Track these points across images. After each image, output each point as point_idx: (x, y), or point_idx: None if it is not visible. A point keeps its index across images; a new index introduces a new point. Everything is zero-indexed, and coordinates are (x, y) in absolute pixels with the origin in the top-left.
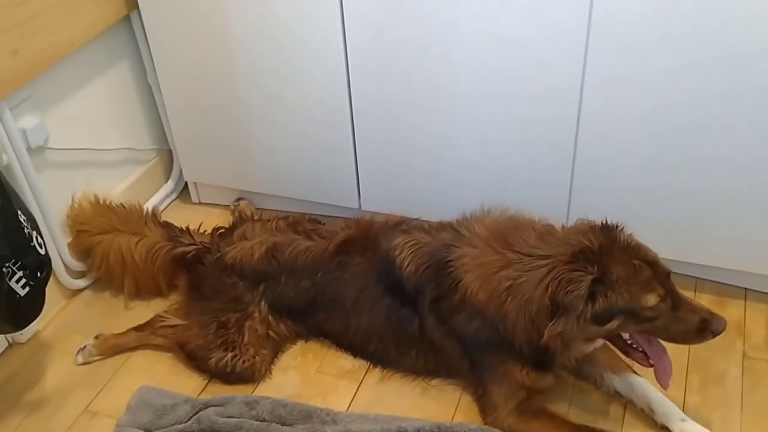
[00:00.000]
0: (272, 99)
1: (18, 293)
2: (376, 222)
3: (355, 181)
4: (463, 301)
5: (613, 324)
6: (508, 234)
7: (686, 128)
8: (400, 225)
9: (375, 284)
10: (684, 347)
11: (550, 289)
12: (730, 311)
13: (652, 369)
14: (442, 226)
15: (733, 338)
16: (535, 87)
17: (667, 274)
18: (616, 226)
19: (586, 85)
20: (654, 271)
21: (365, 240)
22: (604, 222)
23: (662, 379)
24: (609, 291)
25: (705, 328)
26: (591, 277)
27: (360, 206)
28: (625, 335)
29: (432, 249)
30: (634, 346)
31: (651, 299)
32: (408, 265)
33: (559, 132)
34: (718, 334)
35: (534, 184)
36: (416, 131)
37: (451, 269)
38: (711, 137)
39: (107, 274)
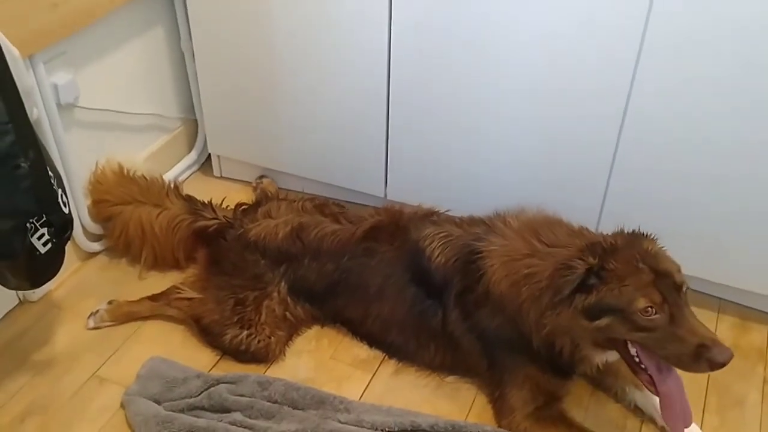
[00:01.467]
0: (308, 78)
1: (39, 250)
2: (406, 211)
3: (384, 169)
4: (486, 292)
5: (602, 321)
6: (541, 228)
7: (729, 143)
8: (431, 216)
9: (402, 273)
10: None
11: (554, 276)
12: (753, 336)
13: None
14: (473, 221)
15: (755, 363)
16: (580, 89)
17: (678, 288)
18: (645, 235)
19: (634, 90)
20: (659, 280)
21: (394, 228)
22: (636, 230)
23: (667, 417)
24: (602, 284)
25: (701, 354)
26: (587, 266)
27: (385, 195)
28: (633, 351)
29: (463, 242)
30: (643, 366)
31: (641, 302)
32: (438, 257)
33: (600, 136)
34: (717, 366)
35: (568, 187)
36: (452, 124)
37: (479, 260)
38: (753, 156)
39: (126, 245)
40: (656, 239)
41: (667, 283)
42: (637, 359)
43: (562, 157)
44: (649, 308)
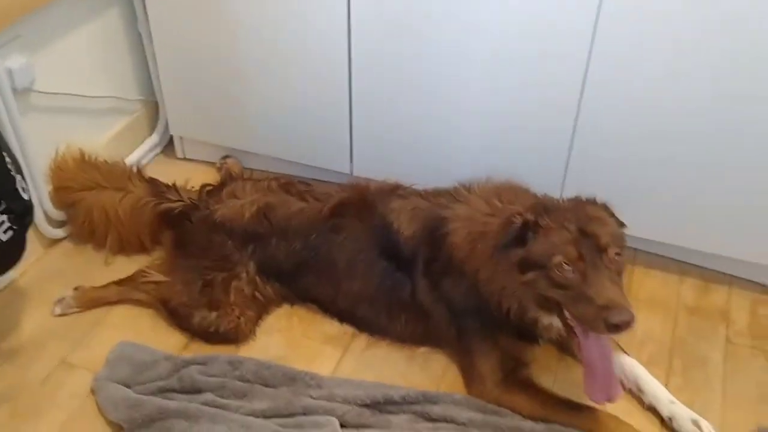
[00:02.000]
0: (268, 54)
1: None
2: (372, 186)
3: (348, 145)
4: (450, 258)
5: (529, 276)
6: (504, 192)
7: (692, 107)
8: (397, 190)
9: (370, 248)
10: (669, 329)
11: (498, 231)
12: (715, 297)
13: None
14: (439, 192)
15: (716, 324)
16: (541, 54)
17: (600, 250)
18: (595, 201)
19: (594, 54)
20: (581, 239)
21: (361, 204)
22: (592, 197)
23: (587, 386)
24: (533, 241)
25: (601, 315)
26: (523, 220)
27: (352, 171)
28: (567, 313)
29: (429, 213)
30: (574, 330)
31: (557, 258)
32: (405, 229)
33: (562, 100)
34: (613, 328)
35: (531, 153)
36: (415, 98)
37: (443, 227)
38: (714, 118)
39: (90, 230)
40: (607, 206)
41: (588, 244)
42: (569, 320)
43: (525, 125)
44: (564, 264)
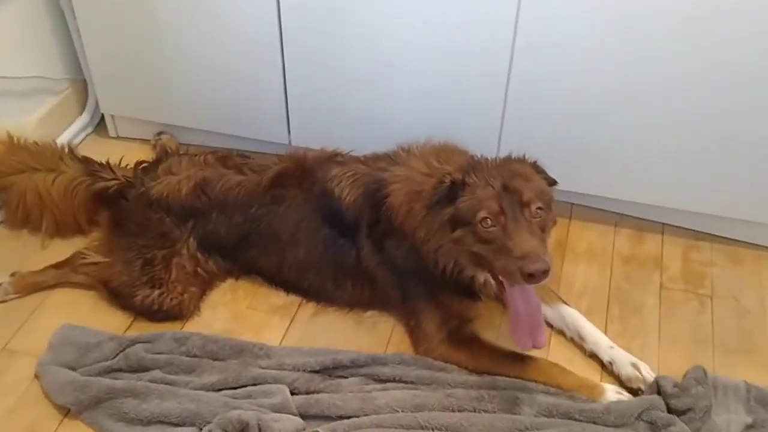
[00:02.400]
0: (197, 27)
1: None
2: (310, 155)
3: (285, 115)
4: (390, 219)
5: (458, 233)
6: (441, 152)
7: (621, 61)
8: (335, 157)
9: (312, 216)
10: (606, 280)
11: (431, 191)
12: (649, 245)
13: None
14: (378, 156)
15: (651, 271)
16: (470, 17)
17: (523, 204)
18: (523, 159)
19: (521, 18)
20: (504, 195)
21: (300, 173)
22: (520, 155)
23: (513, 332)
24: (460, 199)
25: (518, 265)
26: (451, 179)
27: (290, 141)
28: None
29: (369, 177)
30: (501, 280)
31: (480, 213)
32: (347, 195)
33: (493, 62)
34: (528, 277)
35: (467, 114)
36: (348, 64)
37: (383, 189)
38: (645, 72)
39: (25, 215)
40: (535, 164)
41: (511, 199)
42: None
43: (458, 88)
44: (487, 219)
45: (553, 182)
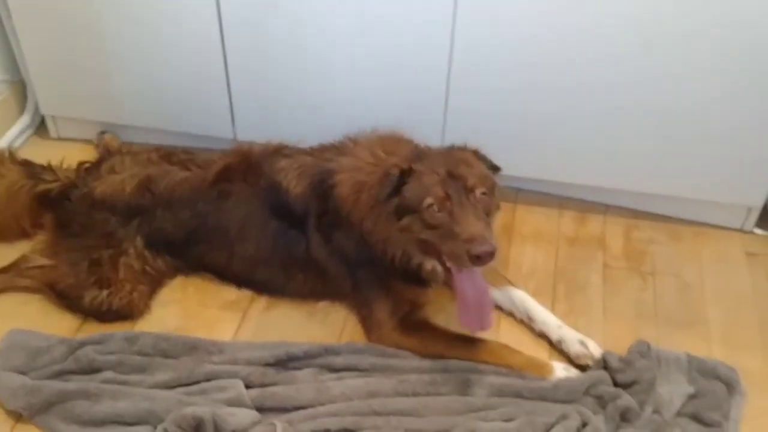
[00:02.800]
0: (136, 24)
1: None
2: (256, 149)
3: (229, 109)
4: (337, 209)
5: (405, 221)
6: (388, 142)
7: (555, 52)
8: (282, 150)
9: (260, 210)
10: (552, 261)
11: (377, 182)
12: (592, 226)
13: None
14: (325, 147)
15: (594, 250)
16: (408, 9)
17: (468, 189)
18: (465, 147)
19: (459, 7)
20: (449, 181)
21: (246, 167)
22: (462, 143)
23: (461, 316)
24: (405, 187)
25: (465, 248)
26: (399, 170)
27: (235, 135)
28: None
29: (316, 169)
30: (448, 266)
31: (427, 200)
32: (294, 187)
33: (432, 55)
34: (475, 259)
35: (409, 108)
36: (290, 56)
37: (330, 179)
38: (584, 50)
39: None
40: (477, 151)
41: (456, 185)
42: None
43: (399, 81)
44: (433, 205)
45: (495, 168)
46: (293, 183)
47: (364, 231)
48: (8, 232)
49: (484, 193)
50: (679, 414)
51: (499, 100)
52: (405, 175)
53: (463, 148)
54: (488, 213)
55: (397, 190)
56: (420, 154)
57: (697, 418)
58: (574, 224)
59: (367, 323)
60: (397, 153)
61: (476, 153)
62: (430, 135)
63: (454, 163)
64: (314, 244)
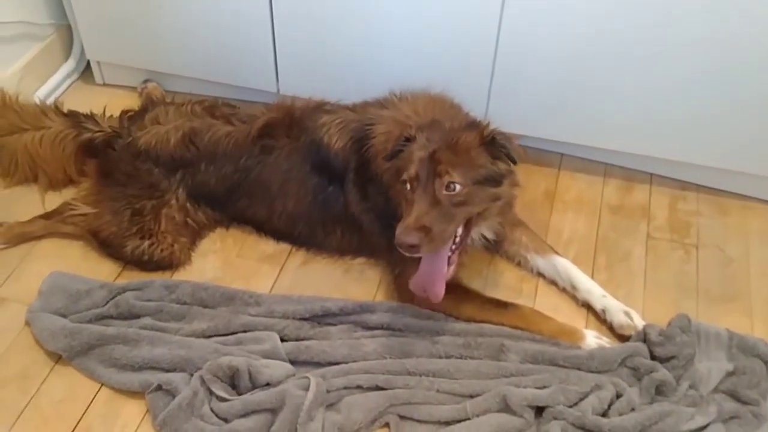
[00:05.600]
0: None
1: None
2: (298, 104)
3: (273, 62)
4: (372, 164)
5: (398, 186)
6: (428, 103)
7: (606, 14)
8: (324, 106)
9: (302, 165)
10: (593, 229)
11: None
12: (637, 195)
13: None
14: (368, 103)
15: (638, 220)
16: None
17: (436, 175)
18: (487, 125)
19: None
20: (428, 161)
21: (289, 122)
22: (486, 122)
23: (413, 277)
24: (402, 155)
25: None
26: (406, 136)
27: (278, 90)
28: None
29: (357, 124)
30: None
31: (404, 175)
32: (336, 143)
33: (481, 19)
34: (399, 246)
35: (456, 71)
36: (337, 10)
37: (369, 132)
38: (629, 22)
39: (19, 174)
40: (496, 136)
41: (429, 168)
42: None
43: (447, 39)
44: (405, 181)
45: (512, 159)
46: (334, 138)
47: (385, 185)
48: (55, 180)
49: (454, 183)
50: (716, 390)
51: (546, 67)
52: (409, 140)
53: (480, 128)
54: (461, 204)
55: (400, 152)
56: (433, 123)
57: (734, 396)
58: (619, 193)
59: (399, 283)
60: (433, 115)
61: (494, 138)
62: (476, 93)
63: (448, 144)
64: (351, 199)
